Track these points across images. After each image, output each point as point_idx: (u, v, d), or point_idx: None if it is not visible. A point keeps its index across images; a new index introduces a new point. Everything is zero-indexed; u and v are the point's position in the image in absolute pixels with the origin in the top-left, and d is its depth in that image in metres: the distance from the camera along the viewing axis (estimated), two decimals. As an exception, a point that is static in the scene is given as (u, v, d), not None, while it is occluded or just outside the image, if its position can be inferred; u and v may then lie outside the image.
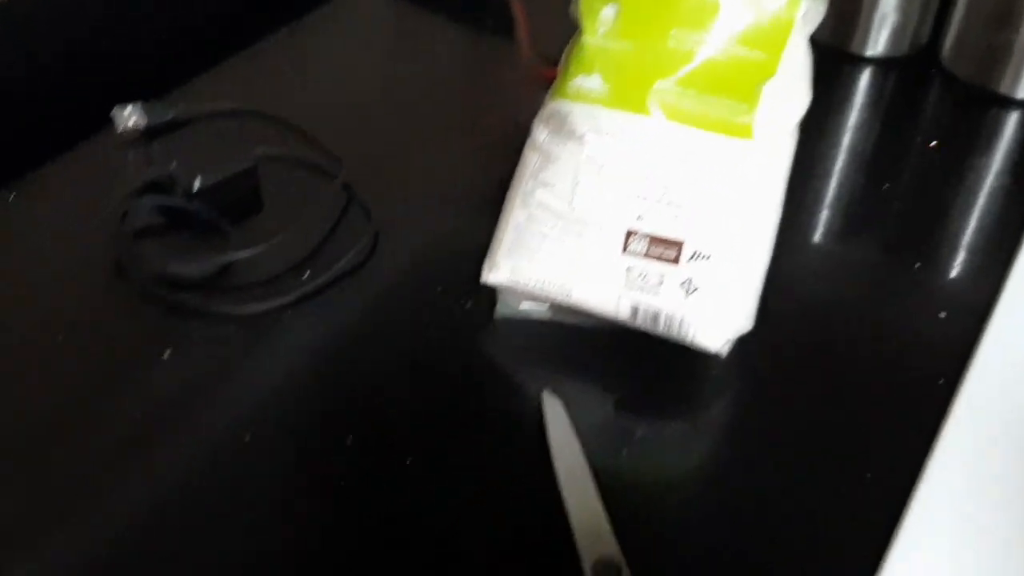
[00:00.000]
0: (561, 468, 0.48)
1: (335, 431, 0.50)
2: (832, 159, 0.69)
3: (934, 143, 0.70)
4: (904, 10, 0.76)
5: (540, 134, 0.55)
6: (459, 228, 0.62)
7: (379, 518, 0.46)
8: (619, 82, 0.52)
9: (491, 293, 0.56)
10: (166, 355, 0.54)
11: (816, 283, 0.59)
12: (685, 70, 0.51)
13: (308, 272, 0.58)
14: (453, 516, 0.47)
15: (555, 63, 0.57)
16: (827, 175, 0.68)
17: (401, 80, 0.76)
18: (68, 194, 0.65)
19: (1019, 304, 0.57)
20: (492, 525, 0.46)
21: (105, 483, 0.48)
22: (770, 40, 0.52)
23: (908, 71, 0.78)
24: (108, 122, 0.67)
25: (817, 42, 0.54)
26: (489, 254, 0.55)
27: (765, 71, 0.51)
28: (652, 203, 0.51)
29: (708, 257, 0.51)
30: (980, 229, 0.64)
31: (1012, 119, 0.73)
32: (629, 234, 0.51)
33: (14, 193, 0.64)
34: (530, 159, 0.55)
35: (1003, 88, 0.74)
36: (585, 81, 0.53)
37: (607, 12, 0.54)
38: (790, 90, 0.53)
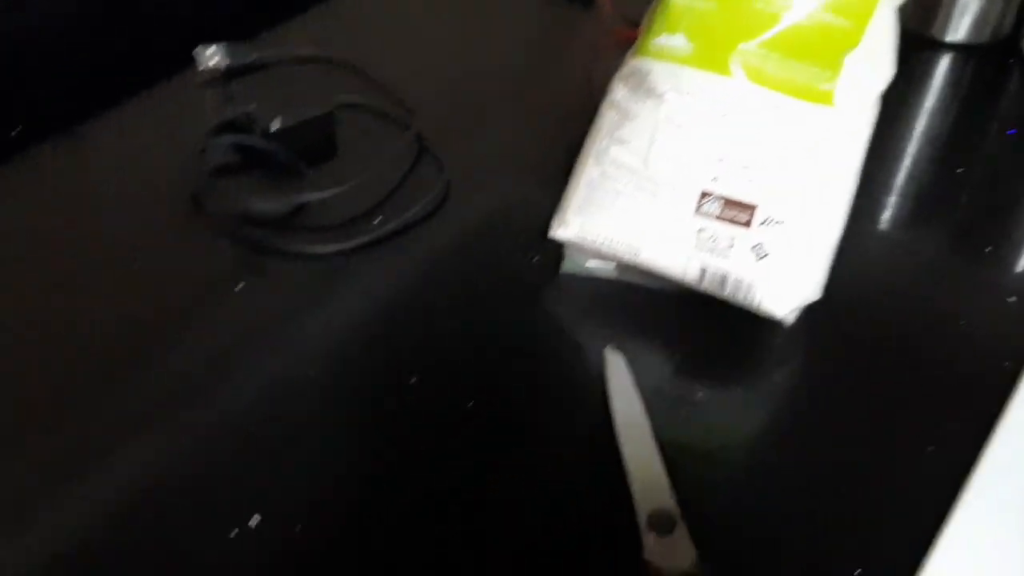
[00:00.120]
0: (621, 420, 0.48)
1: (399, 371, 0.51)
2: (908, 141, 0.69)
3: (1014, 132, 0.70)
4: (987, -1, 0.75)
5: (619, 91, 0.55)
6: (530, 185, 0.62)
7: (439, 456, 0.47)
8: (703, 42, 0.52)
9: (558, 249, 0.56)
10: (239, 287, 0.55)
11: (885, 261, 0.59)
12: (770, 33, 0.51)
13: (380, 218, 0.59)
14: (511, 459, 0.47)
15: (636, 24, 0.57)
16: (902, 157, 0.67)
17: (480, 40, 0.77)
18: (148, 130, 0.66)
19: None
20: (549, 471, 0.47)
21: (178, 406, 0.49)
22: (857, 9, 0.52)
23: (988, 59, 0.77)
24: (190, 61, 0.69)
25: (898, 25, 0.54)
26: (559, 209, 0.55)
27: (850, 39, 0.51)
28: (728, 165, 0.51)
29: (781, 223, 0.50)
30: (1054, 217, 0.64)
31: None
32: (703, 195, 0.51)
33: (97, 127, 0.65)
34: (607, 116, 0.55)
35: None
36: (668, 40, 0.53)
37: (694, -28, 0.54)
38: (874, 61, 0.52)
